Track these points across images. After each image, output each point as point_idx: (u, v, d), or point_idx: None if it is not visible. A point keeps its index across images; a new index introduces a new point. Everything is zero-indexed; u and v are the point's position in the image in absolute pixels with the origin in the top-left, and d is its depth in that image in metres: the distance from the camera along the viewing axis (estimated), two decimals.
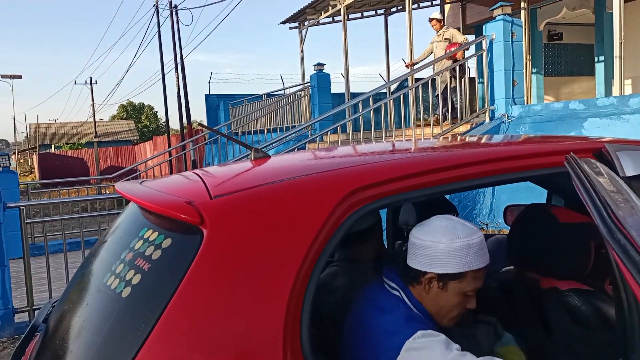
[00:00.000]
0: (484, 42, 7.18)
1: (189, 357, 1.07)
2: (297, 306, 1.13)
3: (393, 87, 9.26)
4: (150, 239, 1.26)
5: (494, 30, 7.00)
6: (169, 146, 17.17)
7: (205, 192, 1.30)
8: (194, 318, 1.09)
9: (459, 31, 9.37)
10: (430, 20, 8.63)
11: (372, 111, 6.86)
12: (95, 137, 37.21)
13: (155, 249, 1.22)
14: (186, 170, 16.00)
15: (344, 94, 13.83)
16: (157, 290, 1.14)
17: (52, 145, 36.37)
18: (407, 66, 8.81)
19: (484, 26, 7.32)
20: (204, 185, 1.39)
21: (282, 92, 15.21)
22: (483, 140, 1.96)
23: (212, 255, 1.15)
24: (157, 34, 15.95)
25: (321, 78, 10.82)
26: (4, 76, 39.07)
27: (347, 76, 13.74)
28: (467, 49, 8.05)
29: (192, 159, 15.96)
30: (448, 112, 8.00)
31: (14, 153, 54.32)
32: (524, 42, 7.65)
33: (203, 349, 1.07)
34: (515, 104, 6.98)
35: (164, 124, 52.67)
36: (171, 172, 16.73)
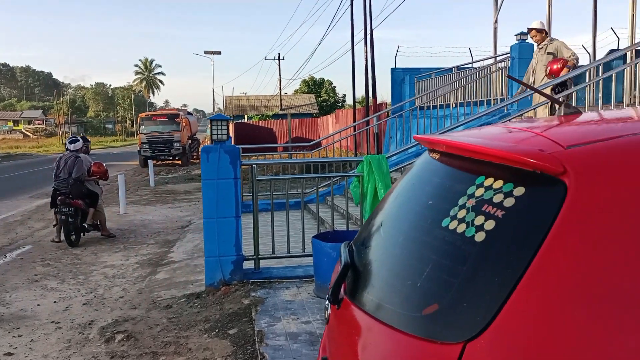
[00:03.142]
0: None
1: (567, 307, 1.02)
2: None
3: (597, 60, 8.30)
4: (495, 186, 1.23)
5: None
6: (354, 120, 17.65)
7: (550, 142, 1.24)
8: (569, 270, 1.04)
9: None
10: (529, 30, 7.10)
11: (602, 83, 6.22)
12: (280, 109, 39.94)
13: (506, 196, 1.19)
14: (368, 143, 16.34)
15: None
16: (520, 238, 1.12)
17: (245, 116, 39.87)
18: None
19: None
20: (539, 135, 1.33)
21: (470, 65, 14.61)
22: None
23: (582, 208, 1.08)
24: (350, 7, 16.35)
25: (523, 48, 10.08)
26: (206, 52, 43.76)
27: None
28: (574, 67, 6.50)
29: (376, 132, 16.18)
30: None
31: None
32: None
33: (584, 302, 1.01)
34: None
35: (341, 98, 54.55)
36: (355, 145, 17.23)
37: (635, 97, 7.03)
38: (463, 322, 1.09)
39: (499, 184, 1.24)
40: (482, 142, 1.39)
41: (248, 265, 5.21)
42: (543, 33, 7.14)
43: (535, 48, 7.30)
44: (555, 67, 6.61)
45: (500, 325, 1.05)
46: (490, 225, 1.18)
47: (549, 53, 6.96)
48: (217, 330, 4.09)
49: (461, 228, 1.23)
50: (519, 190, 1.18)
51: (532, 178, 1.18)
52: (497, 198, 1.21)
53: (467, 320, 1.09)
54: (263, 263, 5.29)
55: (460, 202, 1.29)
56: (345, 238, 4.76)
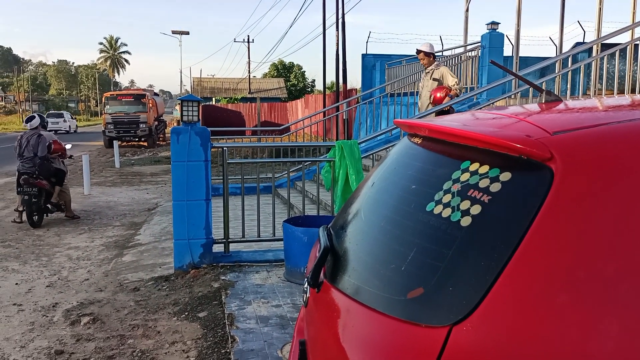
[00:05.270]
0: None
1: (552, 291, 1.03)
2: None
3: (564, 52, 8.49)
4: (480, 172, 1.23)
5: None
6: (324, 105, 17.60)
7: (536, 128, 1.24)
8: (555, 255, 1.05)
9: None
10: (418, 52, 7.00)
11: (570, 75, 6.35)
12: (248, 93, 39.49)
13: (492, 182, 1.19)
14: (337, 128, 16.34)
15: (508, 57, 12.99)
16: (507, 222, 1.12)
17: (213, 99, 39.30)
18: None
19: None
20: (524, 121, 1.34)
21: (440, 53, 14.73)
22: None
23: (568, 194, 1.09)
24: None
25: (494, 38, 10.20)
26: (174, 32, 42.84)
27: (517, 38, 12.84)
28: (456, 96, 6.47)
29: (345, 118, 16.20)
30: None
31: (177, 104, 59.80)
32: None
33: (567, 288, 1.03)
34: None
35: (310, 83, 54.25)
36: (325, 130, 17.23)
37: (599, 89, 7.22)
38: (449, 305, 1.09)
39: (484, 169, 1.24)
40: (467, 127, 1.39)
41: (217, 248, 5.16)
42: (431, 57, 6.99)
43: (423, 72, 7.18)
44: (438, 95, 6.53)
45: (487, 308, 1.05)
46: (476, 210, 1.18)
47: (434, 79, 6.86)
48: (186, 313, 4.05)
49: (446, 212, 1.23)
50: (505, 176, 1.18)
51: (518, 164, 1.19)
52: (483, 183, 1.21)
53: (453, 304, 1.09)
54: (232, 247, 5.25)
55: (445, 186, 1.29)
56: (316, 223, 4.75)
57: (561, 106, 1.53)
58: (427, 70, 7.03)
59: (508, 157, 1.20)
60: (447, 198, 1.26)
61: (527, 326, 1.03)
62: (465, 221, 1.18)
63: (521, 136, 1.19)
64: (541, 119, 1.37)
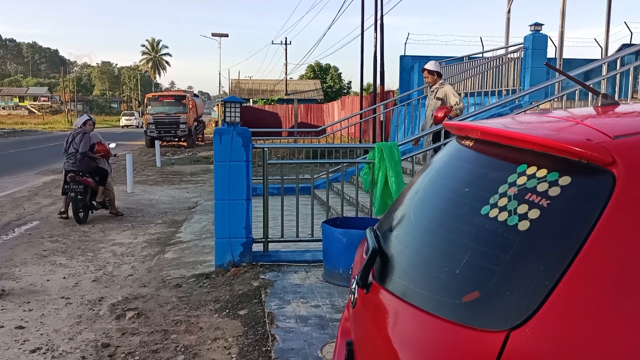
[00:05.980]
0: None
1: (613, 298, 1.01)
2: None
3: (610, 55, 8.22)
4: (538, 175, 1.22)
5: None
6: (361, 107, 17.58)
7: (595, 132, 1.22)
8: (617, 260, 1.03)
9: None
10: (423, 70, 6.88)
11: (619, 77, 6.17)
12: (285, 94, 39.79)
13: (551, 185, 1.18)
14: (374, 131, 16.28)
15: (551, 59, 12.69)
16: (567, 227, 1.10)
17: (250, 100, 39.74)
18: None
19: None
20: (581, 124, 1.32)
21: (481, 55, 14.49)
22: None
23: (631, 199, 1.07)
24: None
25: (537, 39, 9.98)
26: (214, 34, 43.55)
27: (561, 39, 12.54)
28: (456, 116, 6.28)
29: (382, 120, 16.12)
30: None
31: (216, 105, 60.95)
32: None
33: (629, 294, 1.01)
34: None
35: (346, 85, 54.22)
36: (361, 132, 17.20)
37: None
38: (507, 310, 1.08)
39: (542, 172, 1.22)
40: (523, 130, 1.37)
41: (256, 248, 5.23)
42: (435, 75, 6.81)
43: (429, 91, 7.06)
44: (439, 115, 6.43)
45: (547, 314, 1.04)
46: (534, 214, 1.16)
47: (438, 98, 6.73)
48: (227, 311, 4.11)
49: (503, 216, 1.22)
50: (565, 180, 1.17)
51: (578, 168, 1.17)
52: (542, 187, 1.19)
53: (511, 309, 1.08)
54: (271, 246, 5.31)
55: (501, 190, 1.28)
56: (355, 225, 4.75)
57: (619, 110, 1.49)
58: (432, 89, 6.92)
59: (567, 160, 1.18)
60: (503, 202, 1.25)
61: (588, 333, 1.01)
62: (523, 225, 1.16)
63: (581, 140, 1.17)
64: (600, 123, 1.34)
